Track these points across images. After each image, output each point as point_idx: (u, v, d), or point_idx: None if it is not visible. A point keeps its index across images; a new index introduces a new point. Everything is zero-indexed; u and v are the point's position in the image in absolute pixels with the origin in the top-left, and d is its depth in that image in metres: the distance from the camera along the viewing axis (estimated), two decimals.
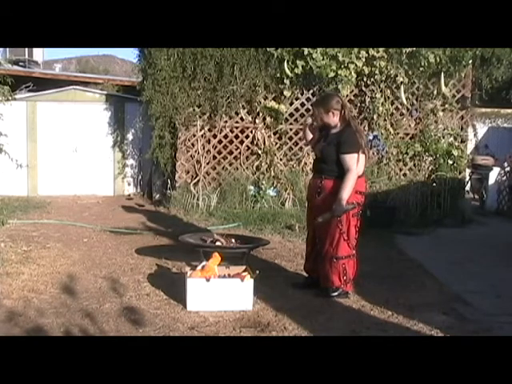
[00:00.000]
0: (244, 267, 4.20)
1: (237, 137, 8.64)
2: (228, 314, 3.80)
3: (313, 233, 4.39)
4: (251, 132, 8.61)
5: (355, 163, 4.01)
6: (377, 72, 8.20)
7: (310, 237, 4.48)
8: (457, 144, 8.45)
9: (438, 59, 7.98)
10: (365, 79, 8.31)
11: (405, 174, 8.50)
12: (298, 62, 8.09)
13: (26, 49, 14.41)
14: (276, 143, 8.60)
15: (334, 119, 4.15)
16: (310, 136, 4.51)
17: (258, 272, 4.08)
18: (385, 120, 8.38)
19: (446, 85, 8.30)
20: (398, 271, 5.13)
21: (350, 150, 4.03)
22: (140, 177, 10.56)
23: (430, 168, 8.48)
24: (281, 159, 8.57)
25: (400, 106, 8.48)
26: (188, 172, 8.73)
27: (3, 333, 3.34)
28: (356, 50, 8.00)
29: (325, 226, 4.12)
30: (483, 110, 12.18)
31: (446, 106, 8.44)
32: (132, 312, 3.81)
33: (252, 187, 8.34)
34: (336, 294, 4.19)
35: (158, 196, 9.64)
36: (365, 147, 4.15)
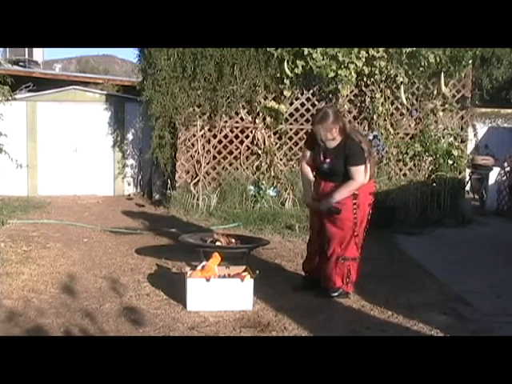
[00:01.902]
0: (244, 267, 4.20)
1: (237, 137, 8.64)
2: (228, 313, 3.80)
3: (317, 233, 4.39)
4: (251, 132, 8.61)
5: (362, 174, 4.08)
6: (377, 72, 8.19)
7: (313, 237, 4.47)
8: (457, 144, 8.45)
9: (438, 59, 7.98)
10: (365, 79, 8.31)
11: (405, 174, 8.50)
12: (298, 61, 8.09)
13: (26, 49, 14.40)
14: (276, 143, 8.60)
15: (334, 135, 4.16)
16: (308, 169, 4.41)
17: (258, 272, 4.08)
18: (385, 120, 8.37)
19: (446, 85, 8.30)
20: (398, 271, 5.13)
21: (357, 162, 4.09)
22: (140, 177, 10.56)
23: (430, 168, 8.48)
24: (281, 159, 8.58)
25: (400, 106, 8.48)
26: (188, 172, 8.73)
27: (3, 333, 3.34)
28: (356, 50, 7.99)
29: (337, 226, 4.14)
30: (483, 110, 12.19)
31: (446, 105, 8.44)
32: (132, 312, 3.82)
33: (252, 187, 8.34)
34: (336, 294, 4.20)
35: (157, 196, 9.64)
36: (370, 155, 4.20)
